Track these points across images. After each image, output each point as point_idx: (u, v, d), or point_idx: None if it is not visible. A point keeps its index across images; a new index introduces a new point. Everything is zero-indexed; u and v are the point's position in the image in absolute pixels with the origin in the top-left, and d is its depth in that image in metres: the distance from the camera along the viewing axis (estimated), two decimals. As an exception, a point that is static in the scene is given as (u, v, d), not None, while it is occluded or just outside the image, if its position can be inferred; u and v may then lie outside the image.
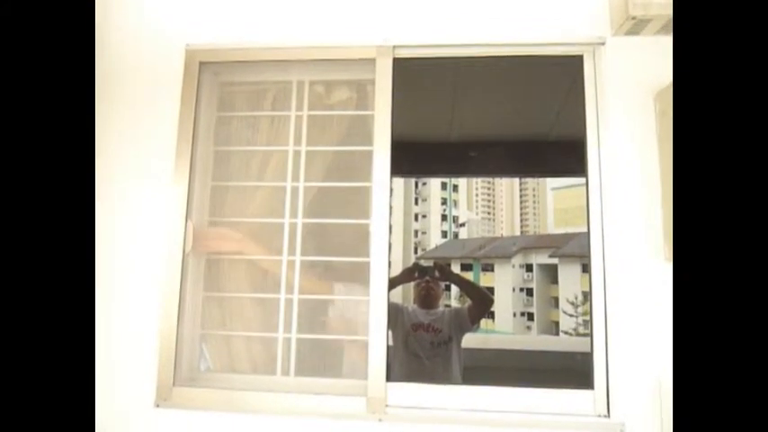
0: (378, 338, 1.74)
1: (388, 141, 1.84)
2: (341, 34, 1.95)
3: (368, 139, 1.89)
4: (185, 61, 1.97)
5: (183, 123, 1.92)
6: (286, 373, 1.86)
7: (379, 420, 1.70)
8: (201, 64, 1.98)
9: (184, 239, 1.87)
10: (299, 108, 2.00)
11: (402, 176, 2.10)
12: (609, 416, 1.66)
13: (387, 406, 1.71)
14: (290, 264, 1.91)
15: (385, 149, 1.84)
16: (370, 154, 1.84)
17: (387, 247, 1.80)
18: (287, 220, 1.93)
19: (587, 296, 1.79)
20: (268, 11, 1.99)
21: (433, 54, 1.92)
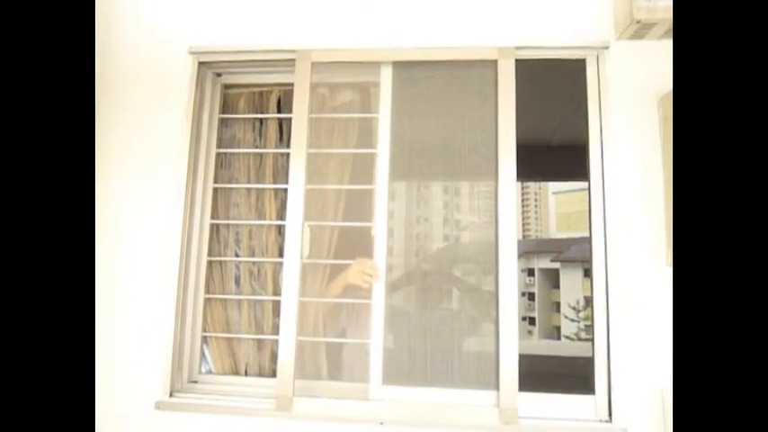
0: (509, 347, 1.71)
1: (513, 144, 1.82)
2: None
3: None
4: (188, 63, 1.97)
5: (185, 125, 1.92)
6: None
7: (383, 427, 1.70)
8: (202, 65, 1.99)
9: (183, 241, 1.88)
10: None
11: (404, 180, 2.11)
12: (611, 421, 1.65)
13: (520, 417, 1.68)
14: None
15: (511, 154, 1.82)
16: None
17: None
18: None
19: (589, 301, 1.78)
20: (275, 14, 1.99)
21: (432, 57, 1.92)
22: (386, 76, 1.92)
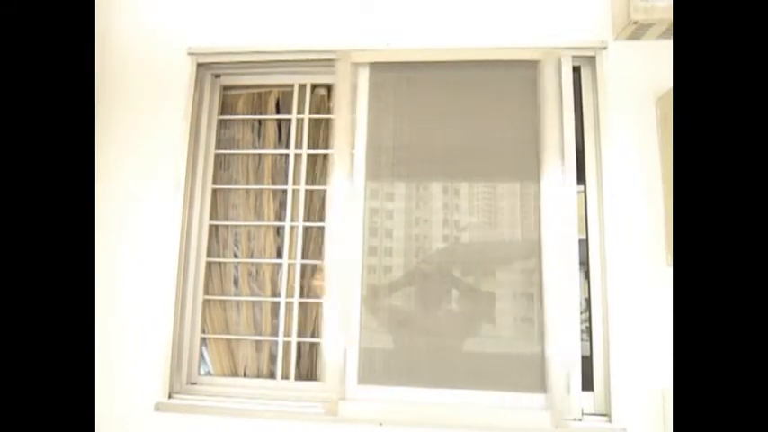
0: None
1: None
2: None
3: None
4: (187, 64, 1.97)
5: (184, 126, 1.92)
6: (286, 376, 1.86)
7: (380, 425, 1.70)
8: (201, 66, 2.00)
9: (182, 241, 1.88)
10: (301, 111, 2.00)
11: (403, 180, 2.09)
12: (610, 420, 1.65)
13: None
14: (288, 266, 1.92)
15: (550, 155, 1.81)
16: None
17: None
18: (288, 224, 1.93)
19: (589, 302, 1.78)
20: (273, 13, 1.99)
21: (432, 58, 1.92)
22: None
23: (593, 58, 1.85)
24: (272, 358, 1.90)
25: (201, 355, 1.92)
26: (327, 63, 1.95)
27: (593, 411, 1.69)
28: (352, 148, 1.89)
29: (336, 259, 1.83)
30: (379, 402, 1.73)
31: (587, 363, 1.73)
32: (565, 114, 1.83)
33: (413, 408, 1.72)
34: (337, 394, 1.73)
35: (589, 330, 1.75)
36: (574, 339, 1.71)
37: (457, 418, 1.68)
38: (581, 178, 1.82)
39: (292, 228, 1.94)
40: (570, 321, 1.71)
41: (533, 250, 1.79)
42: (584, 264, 1.78)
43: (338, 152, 1.86)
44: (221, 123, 2.05)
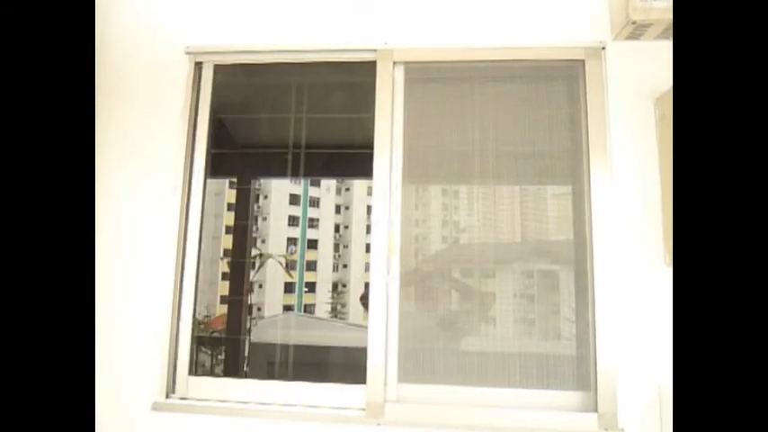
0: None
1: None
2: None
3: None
4: (185, 63, 1.97)
5: (181, 125, 1.92)
6: (283, 377, 1.85)
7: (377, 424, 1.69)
8: (199, 65, 2.00)
9: (180, 242, 1.88)
10: (298, 110, 2.00)
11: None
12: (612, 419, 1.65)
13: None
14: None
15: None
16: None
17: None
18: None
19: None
20: (271, 13, 1.99)
21: (436, 58, 1.92)
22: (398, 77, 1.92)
23: (592, 57, 1.85)
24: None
25: (199, 355, 1.92)
26: (326, 63, 1.95)
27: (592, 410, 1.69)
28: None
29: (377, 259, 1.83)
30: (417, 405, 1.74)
31: (584, 362, 1.73)
32: (562, 114, 1.83)
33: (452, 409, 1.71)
34: (381, 397, 1.72)
35: (587, 330, 1.75)
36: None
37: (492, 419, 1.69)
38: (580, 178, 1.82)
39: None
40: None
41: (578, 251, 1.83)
42: (583, 263, 1.78)
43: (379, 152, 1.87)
44: (218, 122, 2.05)
